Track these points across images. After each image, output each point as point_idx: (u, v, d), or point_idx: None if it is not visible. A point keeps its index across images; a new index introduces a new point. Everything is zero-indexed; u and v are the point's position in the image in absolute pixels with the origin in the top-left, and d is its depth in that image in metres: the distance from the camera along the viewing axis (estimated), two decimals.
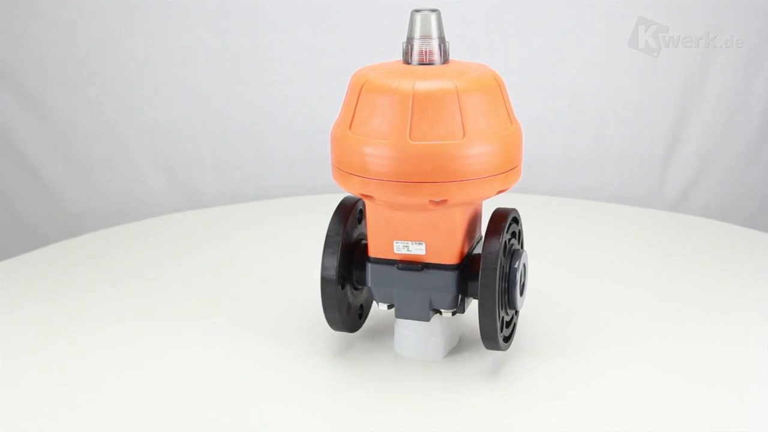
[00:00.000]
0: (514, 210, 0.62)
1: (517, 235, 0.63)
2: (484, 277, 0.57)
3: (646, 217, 1.01)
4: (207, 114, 1.17)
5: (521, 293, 0.62)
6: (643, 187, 1.20)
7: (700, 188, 1.20)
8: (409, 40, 0.59)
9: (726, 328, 0.70)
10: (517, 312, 0.64)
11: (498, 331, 0.59)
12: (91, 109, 1.15)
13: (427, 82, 0.56)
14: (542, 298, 0.73)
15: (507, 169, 0.58)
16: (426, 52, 0.58)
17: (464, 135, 0.55)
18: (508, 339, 0.62)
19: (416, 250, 0.60)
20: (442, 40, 0.59)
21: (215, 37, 1.14)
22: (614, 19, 1.13)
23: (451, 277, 0.59)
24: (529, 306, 0.70)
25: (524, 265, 0.62)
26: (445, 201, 0.56)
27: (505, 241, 0.59)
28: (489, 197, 0.59)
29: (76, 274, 0.84)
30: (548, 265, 0.80)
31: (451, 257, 0.59)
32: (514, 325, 0.64)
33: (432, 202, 0.56)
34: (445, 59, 0.59)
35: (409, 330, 0.64)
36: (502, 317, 0.60)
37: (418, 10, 0.58)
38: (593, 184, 1.19)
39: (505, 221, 0.59)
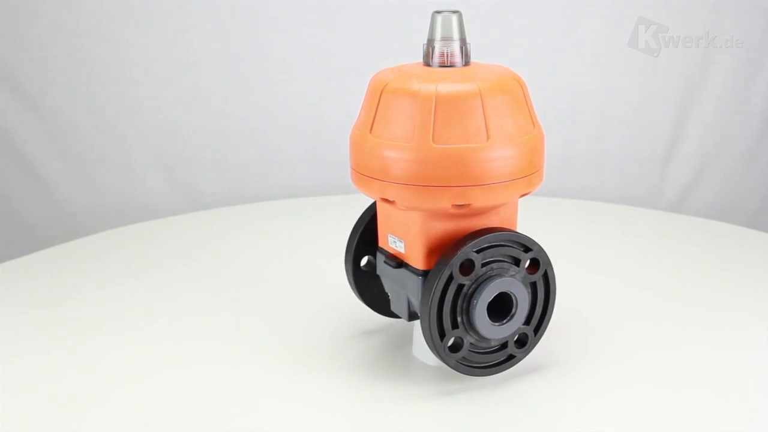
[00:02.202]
0: (504, 233, 0.57)
1: (520, 266, 0.58)
2: (427, 281, 0.56)
3: (646, 218, 1.01)
4: (207, 114, 1.17)
5: (505, 324, 0.58)
6: (643, 187, 1.20)
7: (700, 188, 1.20)
8: (430, 42, 0.58)
9: (729, 330, 0.70)
10: (506, 346, 0.60)
11: (433, 342, 0.57)
12: (91, 109, 1.15)
13: (450, 85, 0.55)
14: None
15: (530, 173, 0.57)
16: (447, 54, 0.57)
17: (488, 138, 0.55)
18: (479, 366, 0.59)
19: (400, 246, 0.60)
20: (463, 42, 0.58)
21: (215, 37, 1.14)
22: (614, 19, 1.13)
23: (417, 281, 0.58)
24: None
25: (515, 298, 0.58)
26: (468, 205, 0.55)
27: (471, 260, 0.56)
28: (512, 200, 0.58)
29: (77, 276, 0.84)
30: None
31: (418, 261, 0.58)
32: (509, 357, 0.60)
33: (455, 206, 0.55)
34: (466, 61, 0.58)
35: None
36: (460, 337, 0.58)
37: (438, 12, 0.57)
38: (593, 184, 1.19)
39: (475, 238, 0.56)
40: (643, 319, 0.71)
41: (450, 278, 0.56)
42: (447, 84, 0.55)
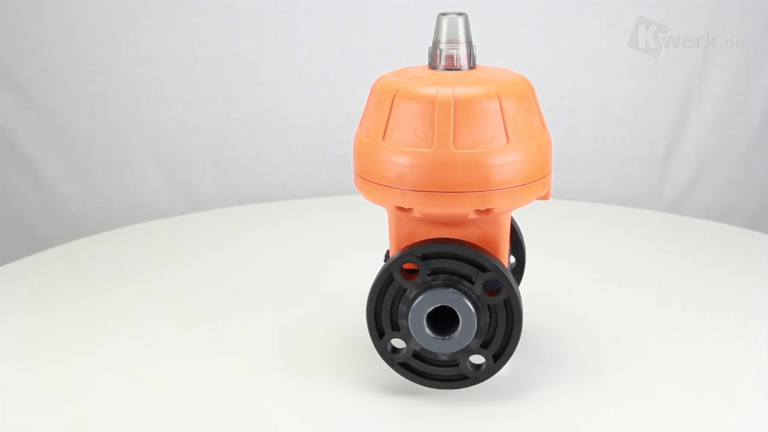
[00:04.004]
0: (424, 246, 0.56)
1: (474, 284, 0.56)
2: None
3: (646, 219, 1.01)
4: (207, 114, 1.17)
5: (447, 339, 0.56)
6: (643, 187, 1.20)
7: (700, 188, 1.20)
8: (436, 45, 0.57)
9: (729, 331, 0.70)
10: (457, 364, 0.58)
11: (372, 340, 0.58)
12: (92, 109, 1.15)
13: (466, 88, 0.54)
14: (543, 300, 0.73)
15: (544, 175, 0.57)
16: (453, 57, 0.57)
17: (508, 141, 0.54)
18: (426, 376, 0.59)
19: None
20: (469, 45, 0.57)
21: (215, 37, 1.14)
22: (614, 19, 1.13)
23: None
24: (530, 308, 0.70)
25: (459, 314, 0.55)
26: (489, 210, 0.54)
27: (401, 267, 0.56)
28: (528, 203, 0.57)
29: (77, 276, 0.84)
30: (548, 267, 0.80)
31: None
32: (462, 377, 0.58)
33: (477, 211, 0.55)
34: (472, 64, 0.58)
35: None
36: (403, 341, 0.57)
37: (444, 14, 0.57)
38: (593, 185, 1.19)
39: (422, 245, 0.55)
40: (643, 321, 0.71)
41: (390, 279, 0.56)
42: (464, 88, 0.54)
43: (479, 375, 0.58)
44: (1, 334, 0.71)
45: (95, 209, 1.18)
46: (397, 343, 0.59)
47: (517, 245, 0.67)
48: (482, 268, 0.55)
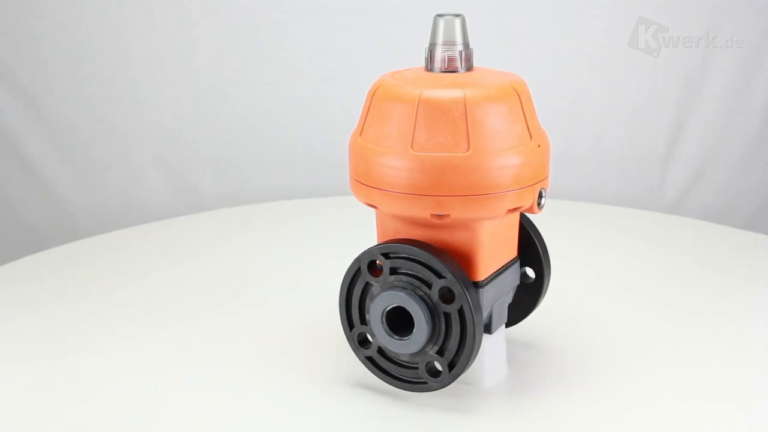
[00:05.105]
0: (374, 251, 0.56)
1: (432, 289, 0.55)
2: None
3: (645, 219, 1.01)
4: (207, 114, 1.17)
5: (403, 340, 0.56)
6: (643, 187, 1.20)
7: (700, 188, 1.20)
8: (431, 47, 0.56)
9: (730, 333, 0.70)
10: (416, 367, 0.57)
11: (345, 332, 0.59)
12: (91, 109, 1.15)
13: (435, 91, 0.53)
14: (543, 301, 0.73)
15: (518, 187, 0.54)
16: (447, 59, 0.56)
17: (468, 148, 0.52)
18: (388, 373, 0.59)
19: None
20: (466, 47, 0.56)
21: (215, 37, 1.14)
22: (614, 19, 1.13)
23: None
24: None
25: (414, 317, 0.55)
26: (446, 216, 0.54)
27: (368, 262, 0.56)
28: (497, 216, 0.55)
29: (76, 277, 0.84)
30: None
31: None
32: (421, 381, 0.57)
33: (435, 216, 0.54)
34: (468, 66, 0.57)
35: None
36: (368, 336, 0.58)
37: (441, 15, 0.56)
38: (593, 185, 1.19)
39: (388, 243, 0.56)
40: (642, 322, 0.71)
41: (358, 272, 0.57)
42: (431, 90, 0.53)
43: (435, 382, 0.57)
44: (1, 334, 0.71)
45: (95, 209, 1.18)
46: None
47: (535, 259, 0.63)
48: (438, 274, 0.54)
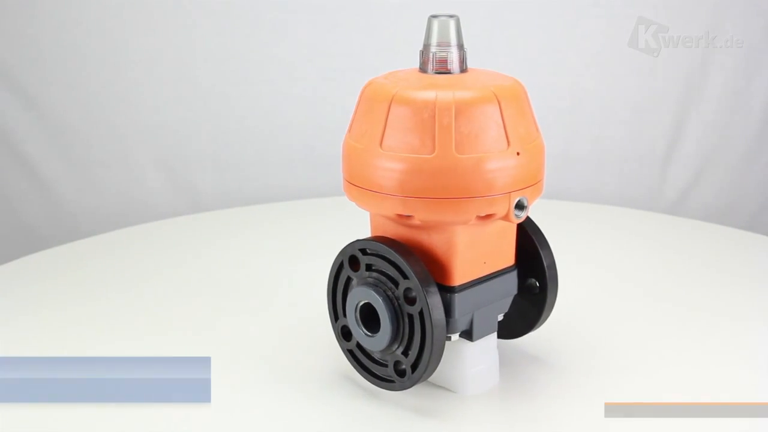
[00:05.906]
0: (354, 245, 0.56)
1: (398, 288, 0.54)
2: None
3: (645, 219, 1.01)
4: (207, 114, 1.17)
5: (371, 337, 0.56)
6: (643, 187, 1.20)
7: (700, 188, 1.20)
8: (425, 48, 0.56)
9: (730, 334, 0.70)
10: (384, 364, 0.57)
11: (332, 322, 0.60)
12: (91, 109, 1.15)
13: (408, 92, 0.53)
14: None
15: (487, 194, 0.53)
16: (440, 60, 0.55)
17: (434, 150, 0.52)
18: (365, 368, 0.59)
19: None
20: (460, 48, 0.56)
21: (215, 37, 1.14)
22: (614, 19, 1.13)
23: None
24: None
25: (380, 314, 0.55)
26: (410, 217, 0.53)
27: (357, 258, 0.56)
28: (466, 222, 0.53)
29: (76, 277, 0.84)
30: None
31: None
32: (389, 379, 0.57)
33: (401, 216, 0.54)
34: (463, 68, 0.56)
35: None
36: (352, 333, 0.58)
37: (435, 16, 0.55)
38: (593, 185, 1.19)
39: (366, 239, 0.56)
40: (642, 322, 0.71)
41: (342, 266, 0.58)
42: (405, 91, 0.53)
43: (401, 382, 0.56)
44: (1, 334, 0.71)
45: (95, 209, 1.18)
46: None
47: (538, 270, 0.60)
48: (404, 275, 0.54)
